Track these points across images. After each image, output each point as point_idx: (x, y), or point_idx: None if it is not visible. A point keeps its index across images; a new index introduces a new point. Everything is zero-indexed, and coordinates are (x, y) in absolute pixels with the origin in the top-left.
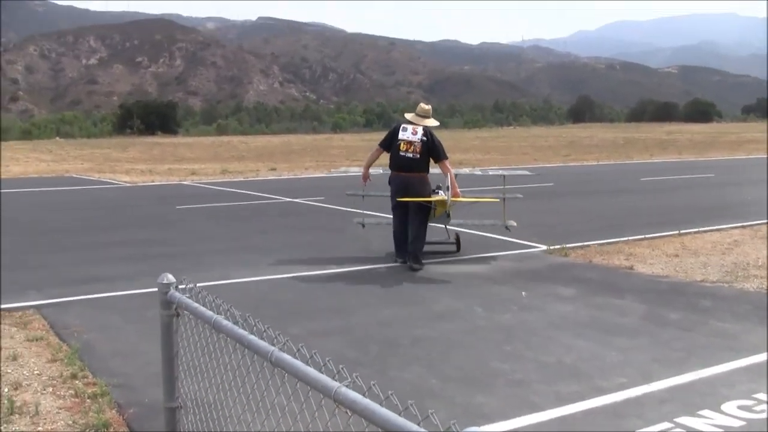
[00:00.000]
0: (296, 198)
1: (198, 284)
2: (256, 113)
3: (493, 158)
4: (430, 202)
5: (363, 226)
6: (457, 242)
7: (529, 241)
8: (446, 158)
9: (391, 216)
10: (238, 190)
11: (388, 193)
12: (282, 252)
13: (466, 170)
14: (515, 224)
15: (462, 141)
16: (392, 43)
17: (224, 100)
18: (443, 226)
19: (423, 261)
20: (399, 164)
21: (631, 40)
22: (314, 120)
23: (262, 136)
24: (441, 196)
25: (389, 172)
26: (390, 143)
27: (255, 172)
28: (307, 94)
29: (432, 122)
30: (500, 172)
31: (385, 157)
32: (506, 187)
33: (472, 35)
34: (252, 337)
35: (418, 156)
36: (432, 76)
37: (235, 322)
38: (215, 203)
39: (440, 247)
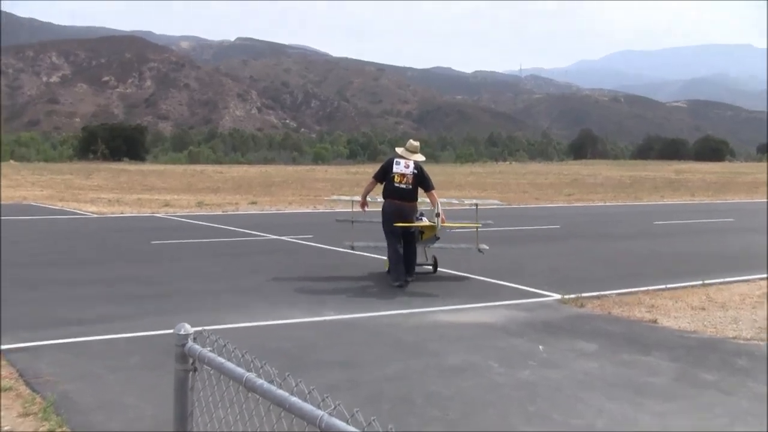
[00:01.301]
0: (283, 235)
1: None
2: (231, 140)
3: (490, 196)
4: (422, 227)
5: (353, 248)
6: (435, 264)
7: (541, 289)
8: (433, 188)
9: (381, 242)
10: (218, 225)
11: (377, 219)
12: (276, 294)
13: (443, 200)
14: (487, 248)
15: (455, 177)
16: (380, 70)
17: (197, 125)
18: (424, 247)
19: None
20: (394, 193)
21: (638, 72)
22: (294, 150)
23: (238, 165)
24: (425, 222)
25: (379, 200)
26: (384, 175)
27: (234, 206)
28: (287, 121)
29: (419, 157)
30: (474, 201)
31: (378, 187)
32: (486, 220)
33: (466, 63)
34: (294, 399)
35: (410, 187)
36: (422, 105)
37: (271, 381)
38: (194, 239)
39: (419, 268)
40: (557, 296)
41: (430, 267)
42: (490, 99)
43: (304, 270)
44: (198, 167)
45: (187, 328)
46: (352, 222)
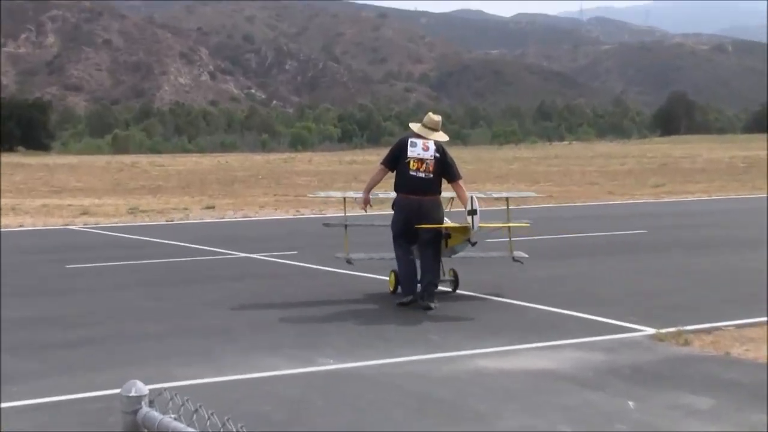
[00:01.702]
0: (254, 252)
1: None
2: (174, 120)
3: (545, 190)
4: (452, 228)
5: (349, 262)
6: (455, 281)
7: (624, 321)
8: (461, 177)
9: (387, 252)
10: (161, 240)
11: (378, 222)
12: (248, 336)
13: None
14: (526, 256)
15: (492, 164)
16: (382, 16)
17: (124, 99)
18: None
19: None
20: (410, 186)
21: (751, 7)
22: (264, 131)
23: (185, 155)
24: (451, 223)
25: (386, 194)
26: (396, 161)
27: (182, 212)
28: (253, 91)
29: (442, 136)
30: (503, 195)
31: (388, 178)
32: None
33: (503, 3)
34: None
35: (432, 176)
36: (443, 64)
37: None
38: (127, 259)
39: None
40: (649, 330)
41: (448, 284)
42: (540, 53)
43: (286, 300)
44: (127, 158)
45: (140, 388)
46: (345, 227)
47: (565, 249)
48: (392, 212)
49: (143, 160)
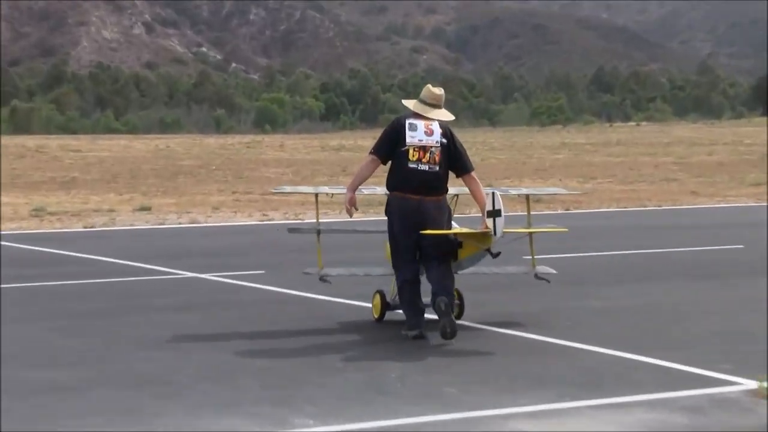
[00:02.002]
0: (206, 271)
1: None
2: (94, 89)
3: (607, 189)
4: (466, 235)
5: (324, 280)
6: (461, 303)
7: (714, 370)
8: (473, 169)
9: (373, 266)
10: (77, 254)
11: (358, 228)
12: (197, 388)
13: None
14: (553, 272)
15: (530, 152)
16: None
17: (27, 58)
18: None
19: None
20: (409, 182)
21: None
22: (219, 105)
23: (110, 136)
24: (460, 228)
25: (371, 191)
26: (392, 149)
27: (107, 215)
28: (204, 50)
29: (446, 115)
30: (523, 192)
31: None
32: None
33: None
34: None
35: (437, 168)
36: (464, 16)
37: None
38: (30, 281)
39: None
40: (749, 384)
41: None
42: (598, 3)
43: (249, 336)
44: (30, 140)
45: None
46: (318, 233)
47: (628, 270)
48: (383, 217)
49: (52, 143)
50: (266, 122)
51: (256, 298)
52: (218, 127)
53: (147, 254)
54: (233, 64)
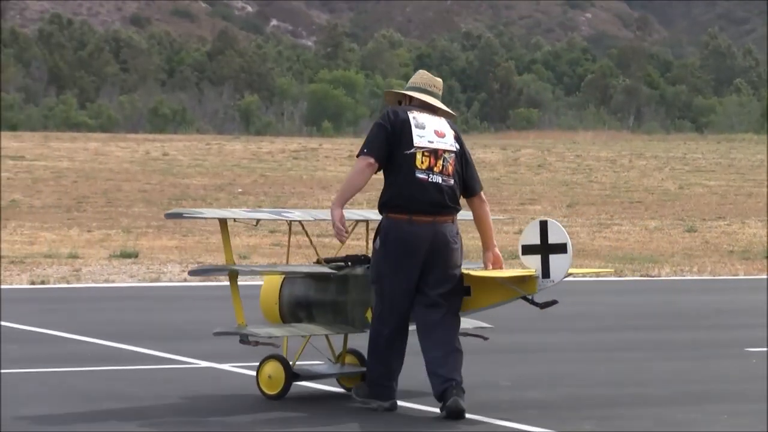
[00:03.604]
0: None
1: None
2: (46, 56)
3: None
4: (479, 277)
5: (246, 341)
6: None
7: None
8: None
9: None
10: (22, 327)
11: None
12: None
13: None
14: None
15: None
16: None
17: None
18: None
19: None
20: (419, 199)
21: None
22: (250, 87)
23: (74, 135)
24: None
25: (365, 216)
26: (389, 152)
27: (68, 264)
28: None
29: (446, 109)
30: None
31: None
32: None
33: None
34: None
35: (452, 182)
36: None
37: None
38: None
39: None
40: None
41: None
42: None
43: None
44: None
45: None
46: (232, 274)
47: None
48: (361, 250)
49: None
50: (326, 117)
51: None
52: (247, 124)
53: (134, 332)
54: (273, 22)
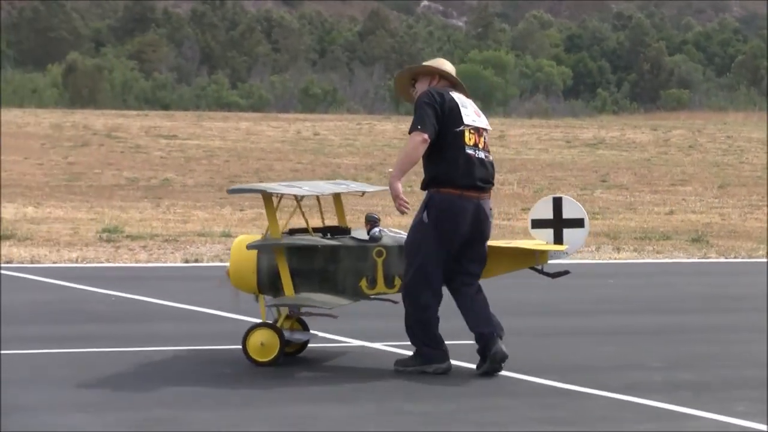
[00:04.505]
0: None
1: None
2: (197, 36)
3: None
4: (511, 249)
5: (299, 312)
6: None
7: None
8: None
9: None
10: (175, 305)
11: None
12: None
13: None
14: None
15: None
16: None
17: None
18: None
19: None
20: (470, 174)
21: None
22: (400, 67)
23: (225, 114)
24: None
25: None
26: (440, 129)
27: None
28: None
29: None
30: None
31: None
32: None
33: None
34: None
35: (491, 157)
36: None
37: None
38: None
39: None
40: None
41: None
42: None
43: None
44: (98, 117)
45: None
46: (281, 249)
47: None
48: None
49: (132, 122)
50: (476, 98)
51: None
52: (397, 104)
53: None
54: (424, 2)
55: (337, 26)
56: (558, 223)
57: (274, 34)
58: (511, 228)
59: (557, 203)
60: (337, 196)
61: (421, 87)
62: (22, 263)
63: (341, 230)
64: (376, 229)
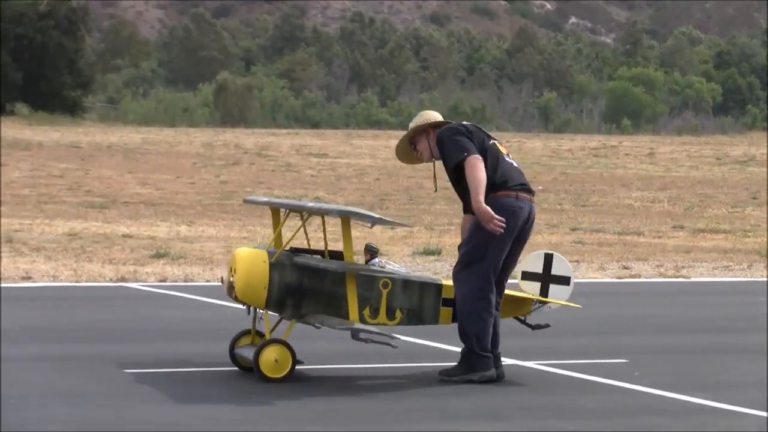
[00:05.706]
0: None
1: None
2: (347, 54)
3: None
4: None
5: (360, 338)
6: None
7: None
8: None
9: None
10: None
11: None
12: None
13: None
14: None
15: None
16: None
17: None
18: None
19: None
20: (516, 178)
21: None
22: (548, 84)
23: (375, 133)
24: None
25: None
26: (479, 145)
27: None
28: None
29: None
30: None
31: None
32: None
33: None
34: None
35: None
36: None
37: None
38: None
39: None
40: None
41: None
42: None
43: None
44: (248, 136)
45: None
46: (321, 255)
47: None
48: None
49: (282, 141)
50: (624, 114)
51: None
52: (546, 122)
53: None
54: (572, 19)
55: (485, 44)
56: (546, 278)
57: (423, 52)
58: (662, 246)
59: (548, 259)
60: (345, 220)
61: (422, 146)
62: (176, 282)
63: (336, 255)
64: (376, 260)
